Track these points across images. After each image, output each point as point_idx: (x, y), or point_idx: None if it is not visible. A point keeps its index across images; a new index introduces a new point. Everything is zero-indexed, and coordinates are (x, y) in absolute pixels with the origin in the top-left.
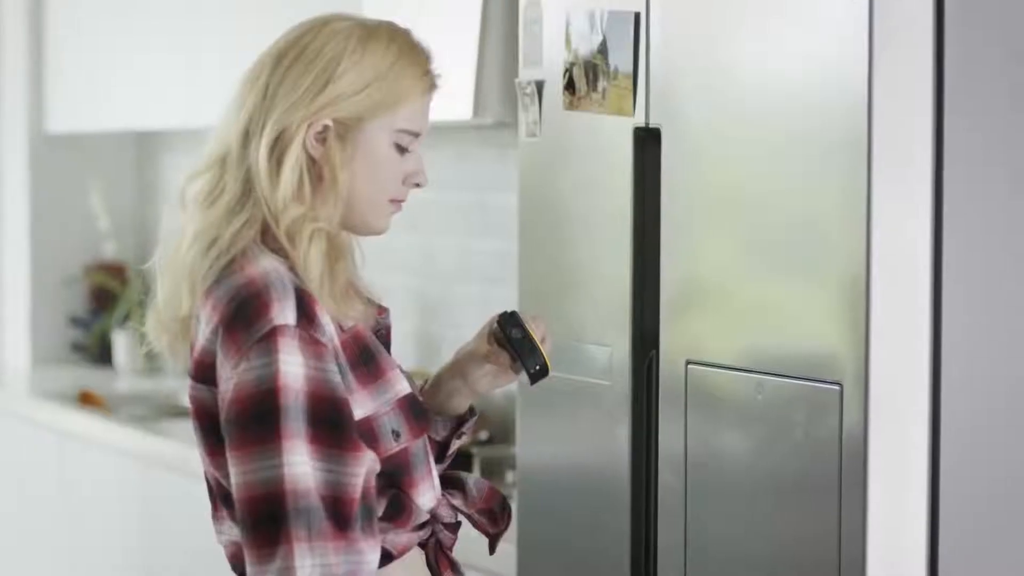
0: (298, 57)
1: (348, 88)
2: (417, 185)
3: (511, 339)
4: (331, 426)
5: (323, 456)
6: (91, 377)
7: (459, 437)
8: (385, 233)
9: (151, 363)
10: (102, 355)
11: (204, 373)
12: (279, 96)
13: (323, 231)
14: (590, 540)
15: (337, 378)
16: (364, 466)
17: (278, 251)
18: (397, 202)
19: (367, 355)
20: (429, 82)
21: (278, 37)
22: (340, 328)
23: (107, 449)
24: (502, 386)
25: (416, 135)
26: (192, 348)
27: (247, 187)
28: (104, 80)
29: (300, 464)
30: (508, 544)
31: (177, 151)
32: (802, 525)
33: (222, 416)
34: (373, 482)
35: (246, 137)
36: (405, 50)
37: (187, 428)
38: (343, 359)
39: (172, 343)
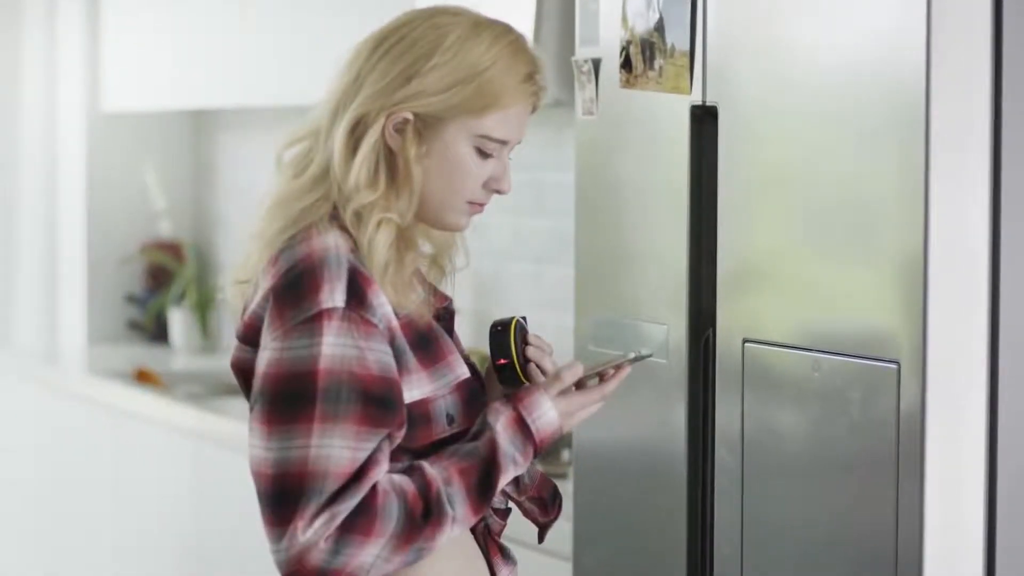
0: (394, 45)
1: (432, 85)
2: (498, 191)
3: (492, 331)
4: (381, 403)
5: (370, 436)
6: (147, 355)
7: None
8: (464, 230)
9: (207, 341)
10: (158, 333)
11: (252, 337)
12: (367, 82)
13: (392, 222)
14: (646, 519)
15: (388, 358)
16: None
17: (347, 229)
18: (476, 204)
19: (424, 339)
20: (529, 91)
21: (387, 22)
22: (396, 313)
23: (163, 427)
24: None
25: (503, 143)
26: (244, 310)
27: (327, 165)
28: (160, 59)
29: (330, 447)
30: (564, 522)
31: (232, 130)
32: (859, 505)
33: (255, 385)
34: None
35: (333, 117)
36: (507, 54)
37: (243, 406)
38: (402, 339)
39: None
